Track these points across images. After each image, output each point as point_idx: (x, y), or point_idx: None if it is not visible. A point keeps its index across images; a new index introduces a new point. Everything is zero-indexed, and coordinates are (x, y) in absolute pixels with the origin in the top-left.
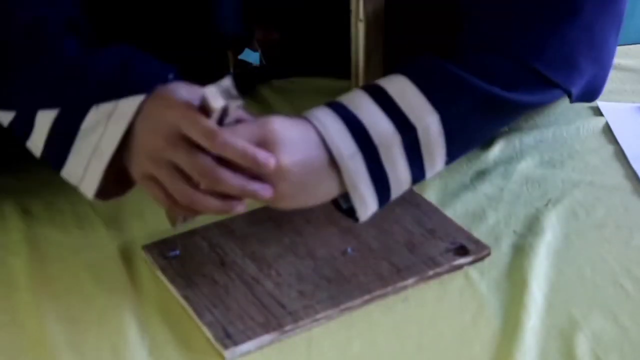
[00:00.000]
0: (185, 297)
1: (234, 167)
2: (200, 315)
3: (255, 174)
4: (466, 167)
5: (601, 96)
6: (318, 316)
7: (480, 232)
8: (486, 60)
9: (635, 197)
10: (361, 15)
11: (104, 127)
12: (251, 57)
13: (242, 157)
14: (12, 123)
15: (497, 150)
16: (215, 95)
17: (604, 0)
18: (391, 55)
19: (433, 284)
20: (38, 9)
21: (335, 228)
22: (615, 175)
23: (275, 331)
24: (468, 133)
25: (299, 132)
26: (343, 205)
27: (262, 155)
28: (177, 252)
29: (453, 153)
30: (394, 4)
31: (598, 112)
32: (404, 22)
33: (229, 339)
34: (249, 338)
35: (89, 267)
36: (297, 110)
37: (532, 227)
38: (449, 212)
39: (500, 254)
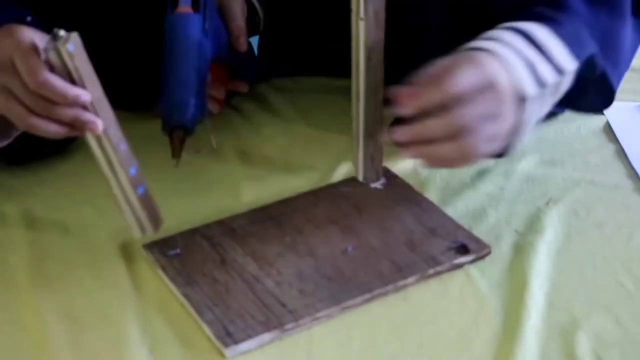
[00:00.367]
0: (186, 296)
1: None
2: (200, 313)
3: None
4: None
5: None
6: (319, 315)
7: (480, 231)
8: None
9: (636, 196)
10: (362, 13)
11: None
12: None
13: (62, 98)
14: None
15: None
16: (46, 39)
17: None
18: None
19: (434, 283)
20: None
21: (336, 227)
22: (616, 174)
23: (276, 330)
24: None
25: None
26: None
27: (75, 91)
28: (178, 250)
29: None
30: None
31: None
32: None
33: (229, 337)
34: (250, 336)
35: (89, 266)
36: (299, 109)
37: (532, 226)
38: (450, 211)
39: (500, 253)
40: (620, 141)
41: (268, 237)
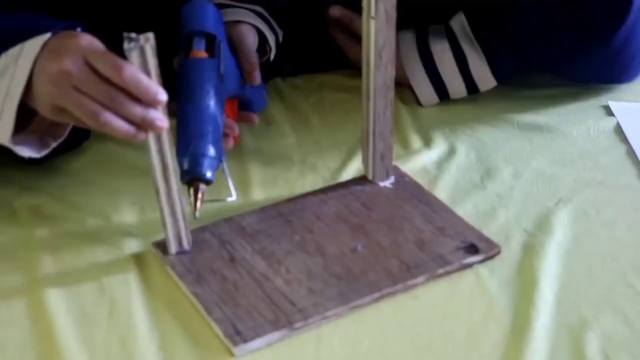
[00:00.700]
0: (195, 294)
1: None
2: (209, 311)
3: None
4: (476, 165)
5: (612, 95)
6: (328, 314)
7: (490, 231)
8: None
9: None
10: (373, 12)
11: (13, 68)
12: None
13: (144, 93)
14: None
15: (507, 149)
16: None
17: None
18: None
19: (443, 282)
20: None
21: (345, 225)
22: (626, 174)
23: (285, 328)
24: None
25: None
26: None
27: (157, 88)
28: (187, 248)
29: None
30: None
31: (609, 111)
32: None
33: (238, 335)
34: (259, 335)
35: (98, 263)
36: (309, 107)
37: (542, 226)
38: (459, 211)
39: (510, 253)
40: (631, 142)
41: (277, 235)
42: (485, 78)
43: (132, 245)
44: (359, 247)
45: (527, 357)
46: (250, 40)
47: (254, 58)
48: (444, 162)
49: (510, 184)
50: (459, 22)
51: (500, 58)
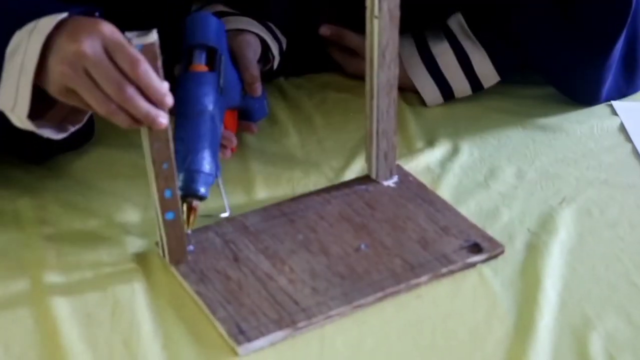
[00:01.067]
0: (199, 293)
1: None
2: (213, 311)
3: None
4: (480, 165)
5: None
6: (331, 313)
7: (494, 230)
8: None
9: None
10: (376, 11)
11: (26, 43)
12: None
13: (154, 92)
14: None
15: (510, 148)
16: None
17: None
18: None
19: (446, 282)
20: None
21: (348, 224)
22: (630, 174)
23: (288, 328)
24: None
25: None
26: None
27: (166, 88)
28: (191, 247)
29: None
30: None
31: (612, 111)
32: None
33: (242, 335)
34: (262, 334)
35: (102, 263)
36: (312, 107)
37: (546, 226)
38: (463, 210)
39: (514, 252)
40: (634, 141)
41: (281, 234)
42: (488, 74)
43: (136, 245)
44: (363, 247)
45: (530, 357)
46: (252, 51)
47: (254, 70)
48: (447, 161)
49: (514, 184)
50: (456, 21)
51: (501, 52)
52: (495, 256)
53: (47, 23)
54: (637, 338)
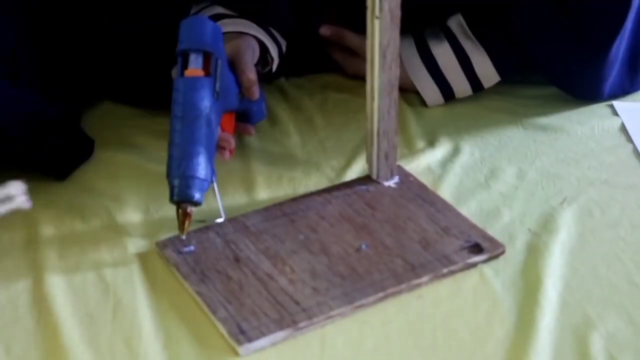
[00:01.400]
0: (199, 293)
1: None
2: (214, 311)
3: None
4: (481, 165)
5: None
6: (332, 313)
7: (494, 230)
8: None
9: None
10: (377, 12)
11: None
12: None
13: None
14: None
15: (511, 148)
16: None
17: None
18: None
19: (447, 282)
20: None
21: (349, 225)
22: (631, 174)
23: (289, 328)
24: None
25: None
26: None
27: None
28: (192, 247)
29: None
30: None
31: (613, 111)
32: None
33: (243, 335)
34: (263, 334)
35: (103, 262)
36: (313, 107)
37: (547, 226)
38: (464, 210)
39: (514, 252)
40: (635, 141)
41: (282, 234)
42: (488, 74)
43: (137, 245)
44: (363, 247)
45: (531, 357)
46: (249, 54)
47: (252, 73)
48: (448, 161)
49: (515, 184)
50: (456, 22)
51: (501, 53)
52: (496, 256)
53: None
54: (638, 338)
